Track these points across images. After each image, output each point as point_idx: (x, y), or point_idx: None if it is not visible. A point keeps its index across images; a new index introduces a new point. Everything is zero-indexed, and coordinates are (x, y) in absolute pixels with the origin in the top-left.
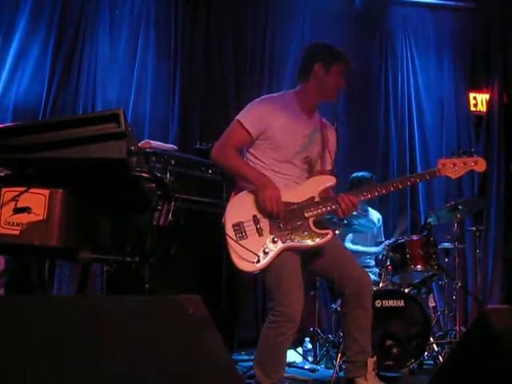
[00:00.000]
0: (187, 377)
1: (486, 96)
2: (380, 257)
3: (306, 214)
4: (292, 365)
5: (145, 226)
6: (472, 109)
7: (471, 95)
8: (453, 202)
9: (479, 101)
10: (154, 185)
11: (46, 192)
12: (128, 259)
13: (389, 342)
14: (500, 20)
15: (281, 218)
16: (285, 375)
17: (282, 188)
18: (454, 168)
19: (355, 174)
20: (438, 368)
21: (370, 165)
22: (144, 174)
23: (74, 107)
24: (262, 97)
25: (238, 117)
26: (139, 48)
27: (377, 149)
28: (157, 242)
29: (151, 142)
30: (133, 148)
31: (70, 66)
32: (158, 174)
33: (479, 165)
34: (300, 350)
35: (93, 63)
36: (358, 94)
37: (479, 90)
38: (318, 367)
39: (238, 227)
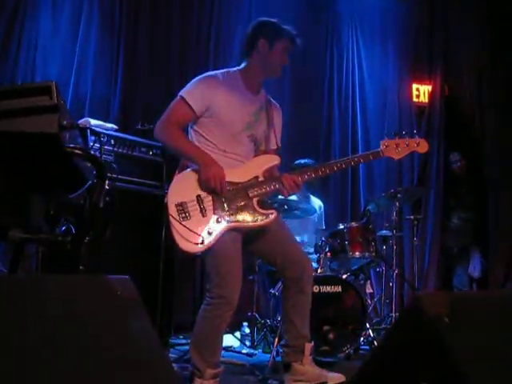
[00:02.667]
0: (110, 358)
1: (429, 87)
2: (319, 243)
3: (250, 194)
4: (229, 349)
5: (79, 206)
6: (415, 99)
7: (414, 86)
8: (392, 190)
9: (421, 92)
10: (90, 164)
11: None
12: (60, 238)
13: (325, 328)
14: (443, 13)
15: (224, 197)
16: (222, 359)
17: (225, 168)
18: (396, 149)
19: (298, 161)
20: (371, 352)
21: (312, 150)
22: (77, 151)
23: (12, 82)
24: (206, 73)
25: (180, 93)
26: (82, 23)
27: (319, 135)
28: (91, 222)
29: (90, 120)
30: (65, 123)
31: (9, 39)
32: (95, 153)
33: (421, 146)
34: (238, 334)
35: (33, 38)
36: (302, 80)
37: (422, 81)
38: (256, 352)
39: (181, 207)
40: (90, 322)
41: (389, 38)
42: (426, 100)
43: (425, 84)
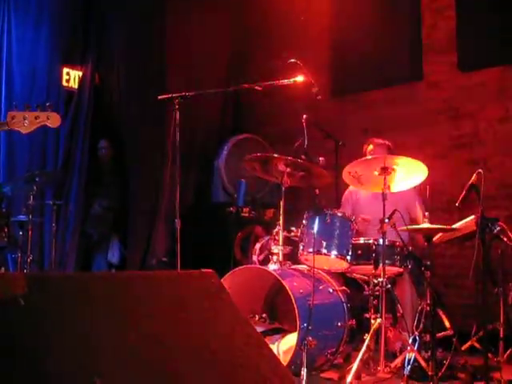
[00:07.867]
0: None
1: (80, 73)
2: None
3: None
4: None
5: None
6: (64, 84)
7: (65, 70)
8: (30, 173)
9: (72, 77)
10: None
11: None
12: None
13: None
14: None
15: None
16: None
17: None
18: (24, 122)
19: None
20: None
21: None
22: None
23: None
24: None
25: None
26: None
27: None
28: None
29: None
30: None
31: None
32: None
33: (53, 120)
34: None
35: None
36: None
37: (73, 66)
38: None
39: None
40: None
41: (43, 20)
42: (76, 86)
43: (76, 69)
